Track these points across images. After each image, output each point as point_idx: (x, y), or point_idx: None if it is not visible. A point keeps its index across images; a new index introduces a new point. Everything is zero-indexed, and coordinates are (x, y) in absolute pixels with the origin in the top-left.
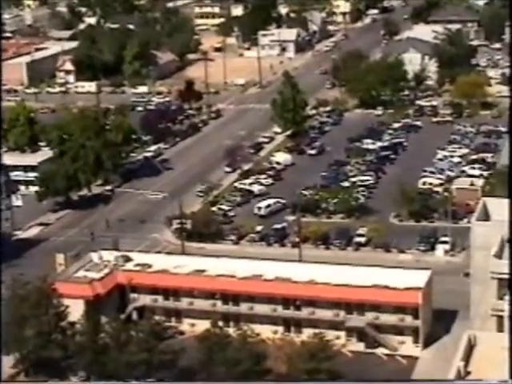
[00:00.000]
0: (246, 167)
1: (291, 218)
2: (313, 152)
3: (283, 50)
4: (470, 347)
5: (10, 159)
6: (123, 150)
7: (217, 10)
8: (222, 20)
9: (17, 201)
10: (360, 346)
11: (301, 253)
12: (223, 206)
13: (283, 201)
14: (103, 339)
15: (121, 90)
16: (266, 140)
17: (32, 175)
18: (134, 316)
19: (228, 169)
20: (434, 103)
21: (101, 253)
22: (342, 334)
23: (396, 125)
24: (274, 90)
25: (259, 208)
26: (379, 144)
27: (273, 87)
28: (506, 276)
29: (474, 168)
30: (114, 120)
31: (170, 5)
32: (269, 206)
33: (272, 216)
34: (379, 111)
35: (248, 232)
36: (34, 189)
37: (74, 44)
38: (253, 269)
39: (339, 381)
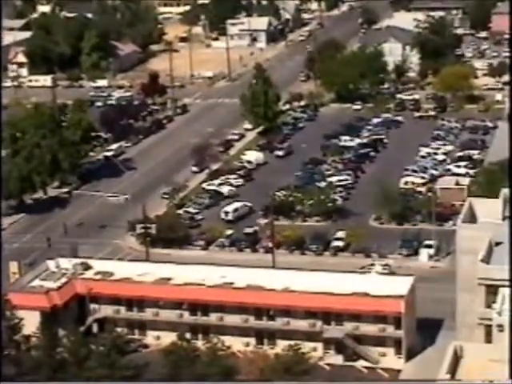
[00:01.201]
0: (214, 167)
1: (263, 221)
2: (280, 153)
3: (254, 40)
4: (456, 359)
5: None
6: (81, 149)
7: None
8: (188, 8)
9: None
10: (338, 359)
11: (274, 259)
12: (190, 209)
13: (250, 204)
14: (61, 354)
15: (78, 84)
16: (235, 137)
17: None
18: (95, 328)
19: (195, 169)
20: (417, 97)
21: (58, 260)
22: (320, 345)
23: (376, 120)
24: (244, 84)
25: (226, 212)
26: (358, 141)
27: (243, 80)
28: (494, 282)
29: (459, 166)
30: (71, 116)
31: None
32: (236, 210)
33: (240, 220)
34: (357, 106)
35: (217, 237)
36: None
37: (26, 34)
38: (223, 276)
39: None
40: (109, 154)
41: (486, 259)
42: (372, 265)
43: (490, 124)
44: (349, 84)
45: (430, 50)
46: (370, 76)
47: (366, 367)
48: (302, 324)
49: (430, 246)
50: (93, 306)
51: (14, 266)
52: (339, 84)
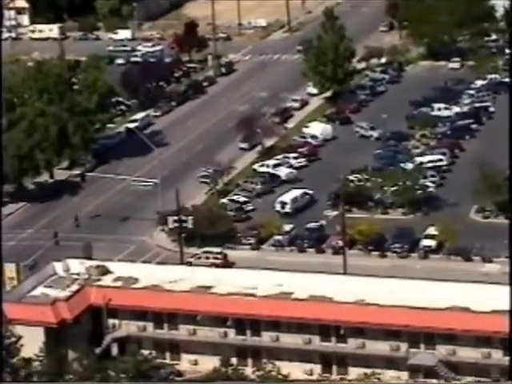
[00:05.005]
0: (268, 143)
1: (332, 213)
2: (375, 134)
3: None
4: None
5: None
6: (97, 119)
7: None
8: None
9: None
10: None
11: (345, 262)
12: (237, 197)
13: (311, 192)
14: (71, 382)
15: (94, 36)
16: (296, 105)
17: None
18: (114, 350)
19: (244, 145)
20: None
21: (67, 262)
22: (404, 374)
23: (479, 82)
24: (307, 35)
25: (283, 203)
26: (455, 110)
27: (306, 31)
28: None
29: None
30: (84, 77)
31: None
32: (295, 199)
33: (300, 213)
34: (455, 63)
35: (272, 233)
36: None
37: None
38: (279, 284)
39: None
40: (132, 125)
41: None
42: (206, 253)
43: None
44: (443, 35)
45: None
46: (471, 25)
47: None
48: (382, 347)
49: None
50: (112, 321)
51: (10, 270)
52: (431, 35)
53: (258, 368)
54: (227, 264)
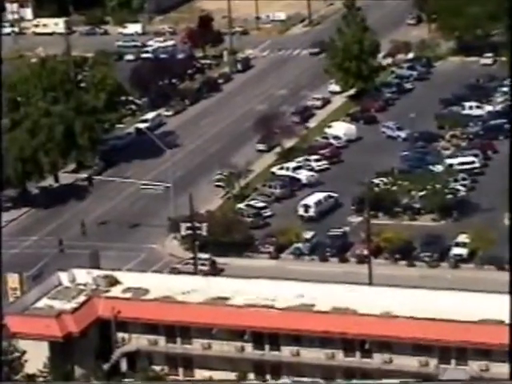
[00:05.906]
0: (288, 144)
1: (356, 219)
2: (402, 135)
3: None
4: None
5: None
6: (106, 119)
7: None
8: None
9: None
10: None
11: (371, 271)
12: (255, 202)
13: (336, 195)
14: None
15: (102, 30)
16: (317, 103)
17: None
18: (123, 365)
19: (261, 146)
20: None
21: (73, 272)
22: None
23: None
24: (329, 29)
25: (306, 207)
26: (488, 108)
27: (328, 24)
28: None
29: None
30: (92, 74)
31: None
32: (319, 202)
33: (324, 218)
34: (488, 59)
35: (292, 241)
36: None
37: None
38: (299, 295)
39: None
40: (143, 125)
41: None
42: (193, 259)
43: None
44: (475, 29)
45: None
46: (504, 18)
47: None
48: (410, 362)
49: None
50: (121, 334)
51: (13, 280)
52: (462, 29)
53: None
54: (215, 271)
